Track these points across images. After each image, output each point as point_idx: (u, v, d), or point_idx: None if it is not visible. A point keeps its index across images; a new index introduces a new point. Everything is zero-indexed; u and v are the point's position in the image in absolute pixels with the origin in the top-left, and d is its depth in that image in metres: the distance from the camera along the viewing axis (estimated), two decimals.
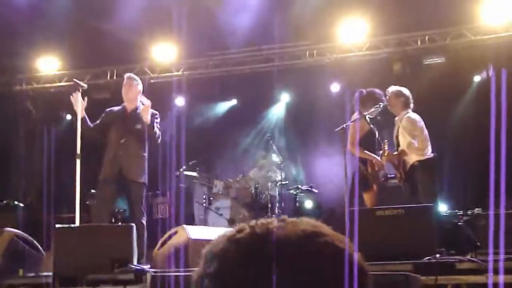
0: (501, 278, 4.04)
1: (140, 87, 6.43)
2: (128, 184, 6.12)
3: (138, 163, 6.16)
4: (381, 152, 6.33)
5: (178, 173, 9.16)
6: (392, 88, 6.53)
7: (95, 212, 6.19)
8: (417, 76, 9.18)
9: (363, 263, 0.94)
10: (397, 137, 6.37)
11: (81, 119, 6.10)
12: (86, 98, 6.21)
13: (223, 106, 11.55)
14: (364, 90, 6.48)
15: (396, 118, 6.48)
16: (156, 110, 6.40)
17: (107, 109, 6.45)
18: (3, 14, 9.24)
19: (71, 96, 6.17)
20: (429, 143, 6.32)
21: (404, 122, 6.30)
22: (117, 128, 6.21)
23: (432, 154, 6.30)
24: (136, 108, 6.29)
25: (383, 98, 6.42)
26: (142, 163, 6.19)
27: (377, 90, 6.50)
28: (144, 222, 6.11)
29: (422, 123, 6.33)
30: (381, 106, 6.34)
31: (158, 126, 6.30)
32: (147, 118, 6.10)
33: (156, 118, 6.31)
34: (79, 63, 10.58)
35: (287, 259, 0.88)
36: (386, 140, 6.36)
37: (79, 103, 6.10)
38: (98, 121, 6.34)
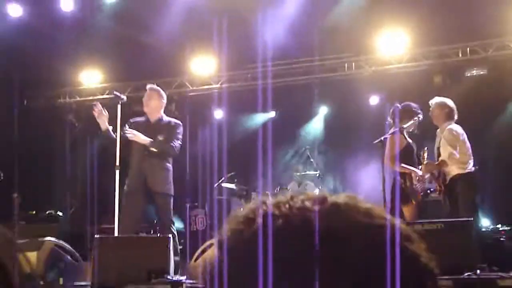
0: None
1: (162, 100, 6.43)
2: (153, 195, 6.16)
3: (162, 174, 6.18)
4: (420, 165, 6.23)
5: (216, 185, 9.22)
6: (436, 99, 6.44)
7: (121, 224, 6.19)
8: (458, 88, 9.02)
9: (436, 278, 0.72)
10: (438, 148, 6.26)
11: (105, 131, 6.16)
12: (106, 111, 6.22)
13: (261, 119, 11.57)
14: (399, 104, 6.39)
15: (438, 130, 6.38)
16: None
17: (131, 120, 6.47)
18: (47, 30, 9.51)
19: (93, 110, 6.22)
20: (471, 156, 6.20)
21: (446, 133, 6.20)
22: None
23: (473, 168, 6.18)
24: (160, 119, 6.34)
25: (419, 111, 6.33)
26: (167, 174, 6.20)
27: (413, 104, 6.41)
28: (175, 232, 6.11)
29: (464, 136, 6.22)
30: (419, 119, 6.24)
31: (179, 137, 6.31)
32: (141, 139, 6.14)
33: (178, 129, 6.33)
34: (120, 76, 10.79)
35: (336, 262, 0.65)
36: (426, 148, 6.25)
37: (103, 116, 6.16)
38: (122, 133, 6.39)
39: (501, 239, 6.68)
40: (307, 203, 0.70)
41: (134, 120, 6.45)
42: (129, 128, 6.30)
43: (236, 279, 0.69)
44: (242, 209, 0.75)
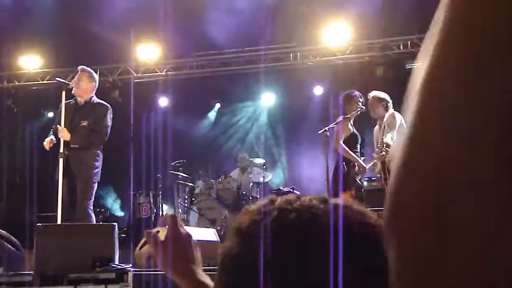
0: None
1: (93, 82, 6.31)
2: (76, 180, 6.10)
3: (87, 161, 6.10)
4: (362, 157, 6.38)
5: (160, 174, 9.17)
6: (374, 93, 6.62)
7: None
8: (399, 80, 9.26)
9: None
10: (383, 139, 6.40)
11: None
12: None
13: (206, 107, 11.55)
14: (346, 92, 6.52)
15: (378, 122, 6.54)
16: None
17: (61, 104, 6.33)
18: None
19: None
20: None
21: (388, 119, 6.37)
22: (66, 123, 6.14)
23: None
24: (88, 102, 6.25)
25: (361, 98, 6.49)
26: (91, 160, 6.12)
27: (355, 91, 6.55)
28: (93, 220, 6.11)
29: (403, 122, 6.39)
30: (362, 110, 6.37)
31: (105, 122, 6.20)
32: (65, 137, 6.08)
33: (104, 112, 6.24)
34: (62, 62, 10.52)
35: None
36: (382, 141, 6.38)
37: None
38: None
39: None
40: (314, 202, 0.81)
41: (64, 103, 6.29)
42: (59, 111, 6.20)
43: (252, 263, 0.77)
44: (252, 204, 0.86)
